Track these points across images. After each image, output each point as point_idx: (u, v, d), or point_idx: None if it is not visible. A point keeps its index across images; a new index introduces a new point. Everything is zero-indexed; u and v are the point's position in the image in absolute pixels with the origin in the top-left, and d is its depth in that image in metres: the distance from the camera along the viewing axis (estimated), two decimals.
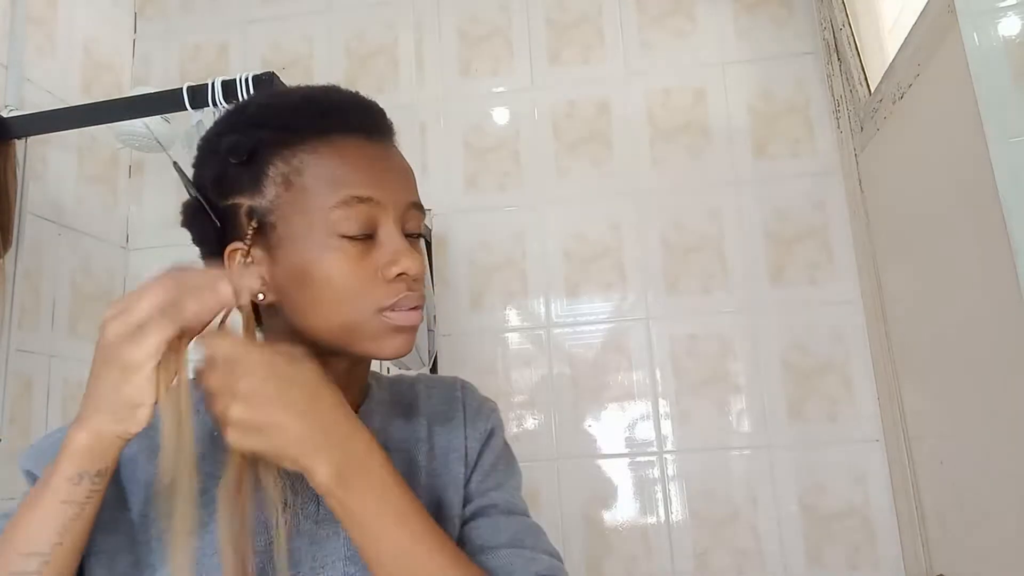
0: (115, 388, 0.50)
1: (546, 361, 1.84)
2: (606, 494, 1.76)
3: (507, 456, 0.75)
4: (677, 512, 1.72)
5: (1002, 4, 1.09)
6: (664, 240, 1.84)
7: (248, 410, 0.52)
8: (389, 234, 0.61)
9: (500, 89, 1.99)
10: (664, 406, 1.77)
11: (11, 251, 1.57)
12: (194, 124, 1.48)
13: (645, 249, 1.84)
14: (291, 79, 1.66)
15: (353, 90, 0.66)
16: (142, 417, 0.51)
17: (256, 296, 0.61)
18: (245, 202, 0.61)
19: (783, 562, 1.67)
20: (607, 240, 1.86)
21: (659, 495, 1.74)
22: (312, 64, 2.07)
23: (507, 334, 1.86)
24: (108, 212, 1.93)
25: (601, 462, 1.77)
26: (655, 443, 1.76)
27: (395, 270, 0.60)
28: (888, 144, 1.55)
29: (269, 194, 0.60)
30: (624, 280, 1.84)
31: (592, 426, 1.79)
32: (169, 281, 0.51)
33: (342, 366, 0.65)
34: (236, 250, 0.61)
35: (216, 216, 0.62)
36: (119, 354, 0.49)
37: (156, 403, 0.51)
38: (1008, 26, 1.08)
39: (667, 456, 1.75)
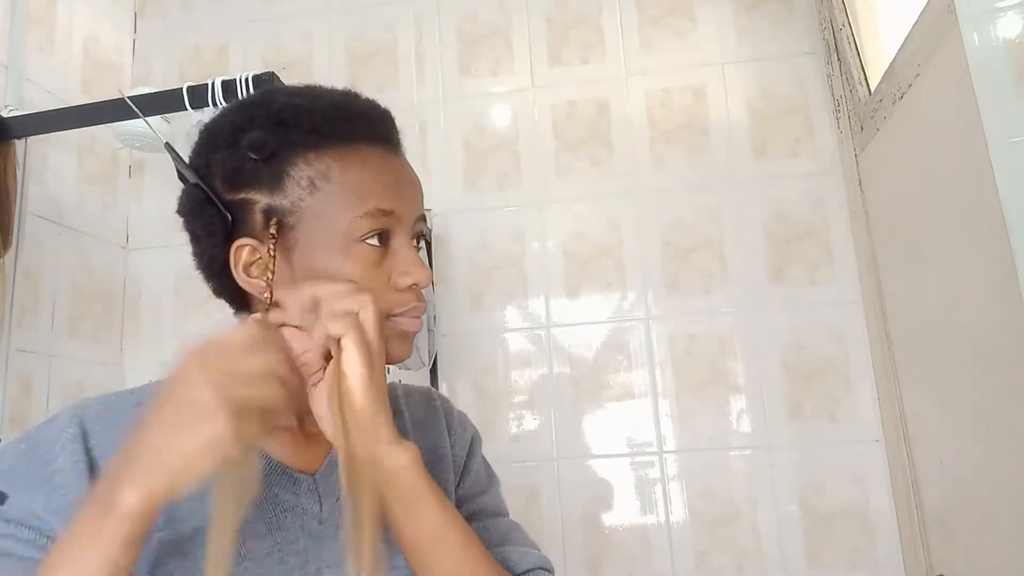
0: (187, 446, 0.46)
1: (546, 361, 1.84)
2: (606, 494, 1.76)
3: (487, 462, 0.82)
4: (677, 512, 1.72)
5: (1002, 4, 1.09)
6: (664, 240, 1.84)
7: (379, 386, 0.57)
8: (403, 245, 0.63)
9: (500, 89, 1.99)
10: (664, 406, 1.77)
11: (11, 251, 1.57)
12: (194, 124, 1.48)
13: (645, 249, 1.84)
14: (291, 79, 1.65)
15: (366, 96, 0.67)
16: (197, 477, 0.47)
17: (261, 295, 0.60)
18: (262, 199, 0.60)
19: (783, 562, 1.67)
20: (607, 240, 1.86)
21: (659, 495, 1.74)
22: (312, 64, 2.07)
23: (507, 334, 1.86)
24: (108, 212, 1.93)
25: (601, 462, 1.77)
26: (655, 443, 1.76)
27: (407, 281, 0.62)
28: (888, 144, 1.55)
29: (291, 195, 0.60)
30: (624, 280, 1.84)
31: (592, 426, 1.79)
32: (276, 351, 0.51)
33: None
34: (244, 246, 0.61)
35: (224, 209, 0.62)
36: (206, 412, 0.46)
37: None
38: (1008, 26, 1.08)
39: (667, 456, 1.75)
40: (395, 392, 0.78)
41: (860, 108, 1.67)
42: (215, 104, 1.42)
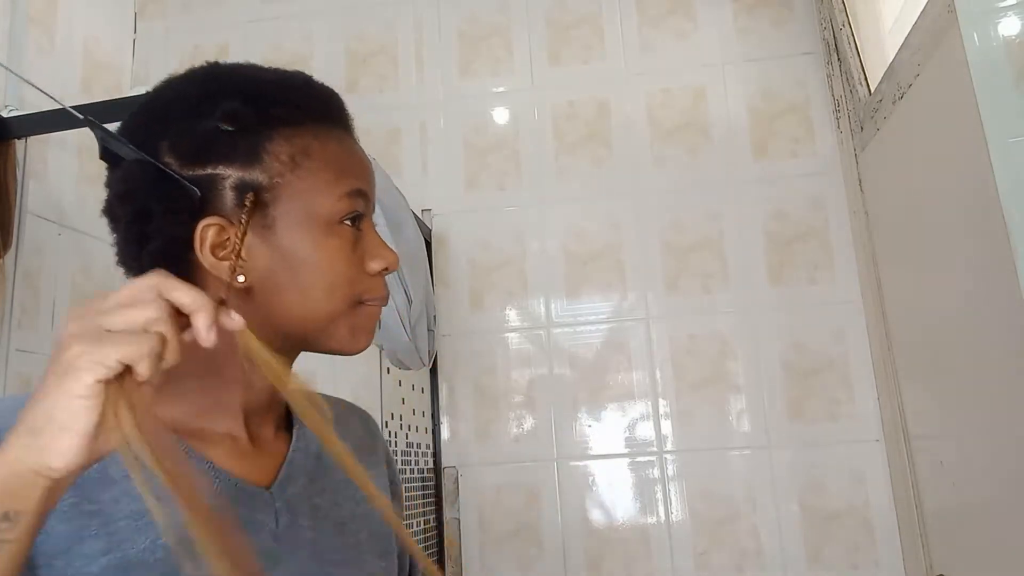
0: (43, 403, 0.40)
1: (546, 361, 1.84)
2: (606, 494, 1.76)
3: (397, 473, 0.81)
4: (677, 512, 1.72)
5: (1002, 4, 1.09)
6: (664, 240, 1.84)
7: None
8: (370, 229, 0.62)
9: (500, 89, 1.99)
10: (664, 406, 1.77)
11: (11, 251, 1.57)
12: None
13: (645, 249, 1.84)
14: None
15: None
16: (65, 448, 0.39)
17: (234, 279, 0.55)
18: (233, 174, 0.56)
19: (783, 562, 1.67)
20: (607, 240, 1.86)
21: (659, 495, 1.74)
22: (312, 64, 2.07)
23: (507, 334, 1.86)
24: None
25: (601, 462, 1.77)
26: (655, 443, 1.76)
27: (379, 265, 0.61)
28: (888, 144, 1.55)
29: (271, 170, 0.57)
30: (624, 280, 1.84)
31: (592, 426, 1.79)
32: (156, 297, 0.43)
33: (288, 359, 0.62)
34: (212, 225, 0.56)
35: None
36: (70, 363, 0.40)
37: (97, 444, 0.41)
38: (1008, 26, 1.08)
39: (667, 456, 1.75)
40: (332, 405, 0.76)
41: (860, 108, 1.68)
42: None
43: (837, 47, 1.77)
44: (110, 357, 0.40)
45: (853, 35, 1.70)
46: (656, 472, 1.75)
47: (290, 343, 0.60)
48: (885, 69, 1.50)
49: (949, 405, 1.38)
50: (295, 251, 0.57)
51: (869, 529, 1.65)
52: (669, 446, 1.76)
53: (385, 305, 0.63)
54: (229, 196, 0.56)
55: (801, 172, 1.82)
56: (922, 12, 1.28)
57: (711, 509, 1.71)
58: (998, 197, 1.05)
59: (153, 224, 0.56)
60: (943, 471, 1.42)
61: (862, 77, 1.67)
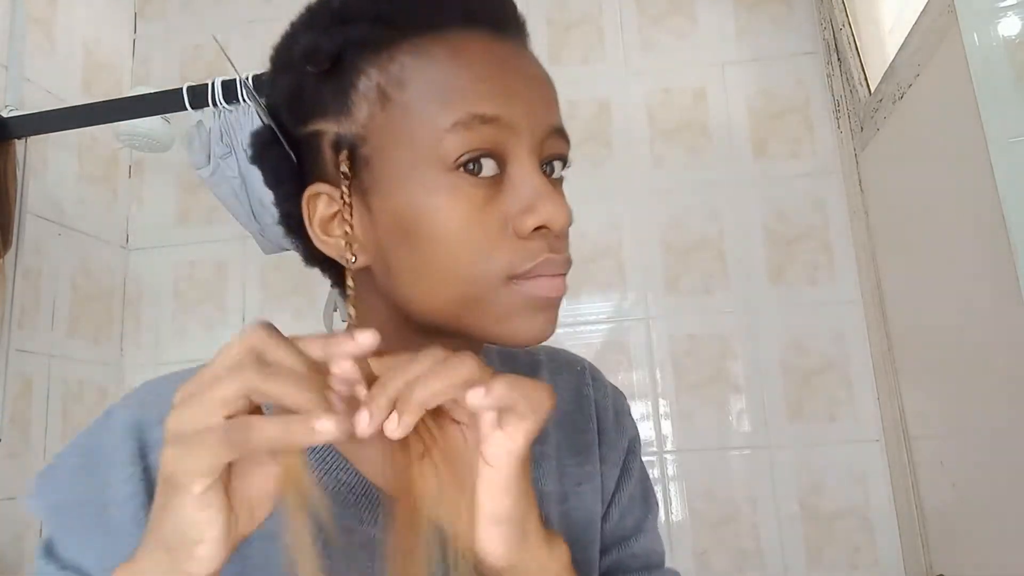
0: (166, 516, 0.35)
1: None
2: None
3: (645, 479, 0.61)
4: (677, 512, 1.72)
5: (1002, 4, 1.09)
6: (664, 240, 1.84)
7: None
8: (524, 170, 0.43)
9: None
10: (664, 406, 1.77)
11: (11, 251, 1.57)
12: (194, 124, 1.48)
13: (645, 249, 1.84)
14: None
15: None
16: (203, 556, 0.35)
17: (345, 259, 0.44)
18: (330, 128, 0.44)
19: (783, 562, 1.67)
20: (607, 240, 1.86)
21: (659, 495, 1.73)
22: None
23: None
24: (108, 212, 1.93)
25: None
26: (655, 443, 1.76)
27: (532, 221, 0.42)
28: (888, 144, 1.55)
29: (360, 115, 0.43)
30: (624, 280, 1.84)
31: None
32: (251, 360, 0.34)
33: (450, 347, 0.41)
34: (318, 195, 0.45)
35: (292, 147, 0.46)
36: (166, 467, 0.35)
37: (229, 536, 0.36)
38: (1008, 26, 1.08)
39: (667, 456, 1.75)
40: (539, 370, 0.59)
41: (860, 108, 1.68)
42: (215, 104, 1.41)
43: (837, 47, 1.77)
44: (202, 463, 0.33)
45: (853, 35, 1.70)
46: (656, 472, 1.75)
47: (431, 330, 0.45)
48: (885, 69, 1.50)
49: (949, 405, 1.38)
50: (401, 217, 0.42)
51: (869, 529, 1.65)
52: (669, 446, 1.76)
53: (563, 273, 0.44)
54: (328, 157, 0.45)
55: (801, 172, 1.82)
56: (922, 12, 1.28)
57: (711, 509, 1.71)
58: (998, 197, 1.05)
59: (275, 194, 0.48)
60: (943, 471, 1.42)
61: (862, 77, 1.67)
